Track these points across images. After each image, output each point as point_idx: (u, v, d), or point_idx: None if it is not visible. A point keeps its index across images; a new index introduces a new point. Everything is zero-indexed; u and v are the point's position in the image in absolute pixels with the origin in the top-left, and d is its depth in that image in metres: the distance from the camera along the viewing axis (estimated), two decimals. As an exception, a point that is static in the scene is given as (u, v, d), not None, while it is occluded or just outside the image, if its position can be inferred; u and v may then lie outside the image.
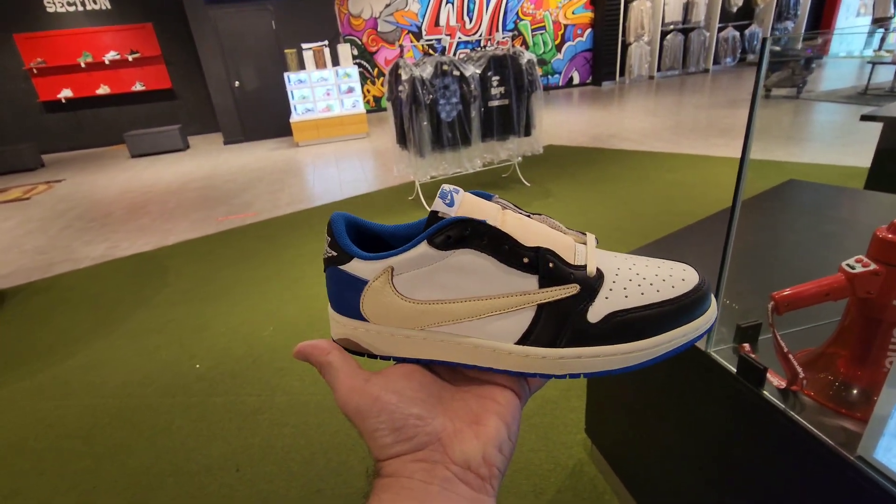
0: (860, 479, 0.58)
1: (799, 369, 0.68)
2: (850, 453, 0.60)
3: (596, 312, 0.28)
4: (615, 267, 0.30)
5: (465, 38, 8.87)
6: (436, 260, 0.29)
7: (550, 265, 0.28)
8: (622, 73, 9.61)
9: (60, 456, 1.64)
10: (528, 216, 0.32)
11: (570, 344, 0.28)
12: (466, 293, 0.29)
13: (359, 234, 0.33)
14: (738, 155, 0.70)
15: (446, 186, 0.30)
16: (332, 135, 6.92)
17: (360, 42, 8.56)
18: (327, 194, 4.42)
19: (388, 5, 8.47)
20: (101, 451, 1.64)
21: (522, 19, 9.16)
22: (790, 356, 0.68)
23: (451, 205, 0.29)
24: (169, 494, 1.45)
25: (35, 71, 7.87)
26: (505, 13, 9.04)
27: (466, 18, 8.89)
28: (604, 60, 9.47)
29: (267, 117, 7.61)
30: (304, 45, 6.63)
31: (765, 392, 0.71)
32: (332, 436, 1.60)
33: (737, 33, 9.61)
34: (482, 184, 4.15)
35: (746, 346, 0.79)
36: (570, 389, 1.68)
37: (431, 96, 3.33)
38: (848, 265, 0.63)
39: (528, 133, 3.78)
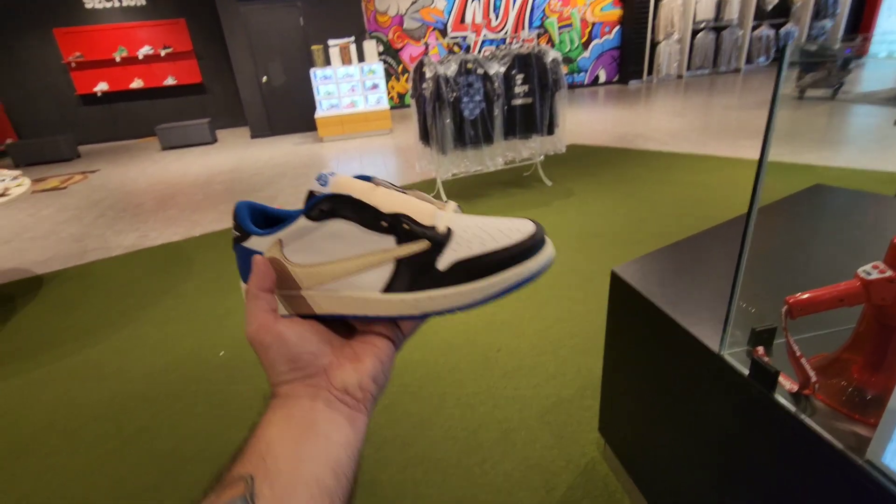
0: (868, 482, 0.58)
1: (811, 373, 0.68)
2: (859, 457, 0.60)
3: (444, 262, 0.33)
4: (464, 226, 0.35)
5: (490, 36, 8.84)
6: (313, 230, 0.35)
7: (405, 226, 0.34)
8: (650, 72, 9.45)
9: (90, 437, 1.72)
10: (401, 192, 0.37)
11: (424, 289, 0.33)
12: (339, 255, 0.35)
13: (265, 218, 0.40)
14: (768, 157, 0.70)
15: (324, 171, 0.37)
16: (356, 130, 7.00)
17: (385, 38, 8.62)
18: (349, 189, 4.48)
19: (414, 2, 8.51)
20: (129, 434, 1.71)
21: (549, 16, 9.09)
22: (802, 360, 0.67)
23: (324, 185, 0.36)
24: (191, 478, 1.51)
25: (73, 65, 8.17)
26: (531, 10, 8.98)
27: (492, 15, 8.86)
28: (631, 59, 9.32)
29: (293, 112, 7.74)
30: (331, 42, 6.72)
31: (776, 395, 0.71)
32: (348, 426, 1.64)
33: (771, 32, 9.34)
34: (503, 182, 4.15)
35: (760, 349, 0.79)
36: (586, 389, 1.68)
37: (455, 94, 3.35)
38: (864, 271, 0.62)
39: (551, 132, 3.76)
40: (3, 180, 2.59)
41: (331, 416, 0.32)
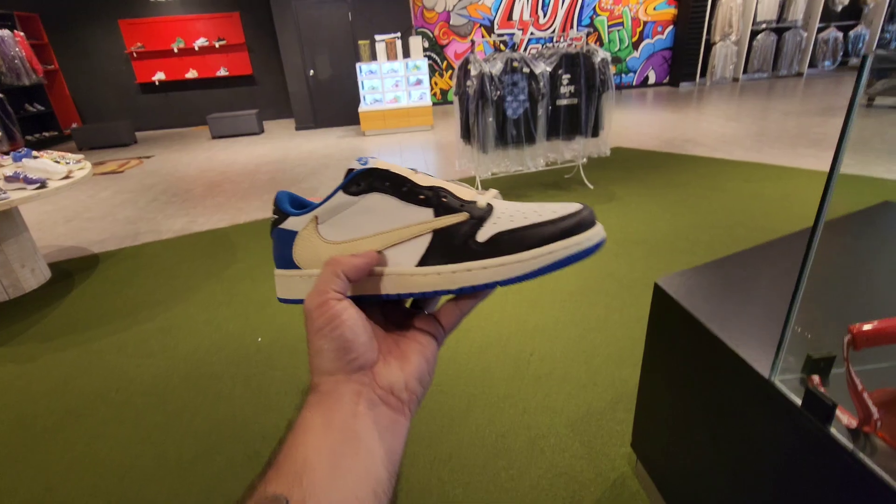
0: (935, 536, 0.53)
1: (874, 409, 0.63)
2: (926, 507, 0.55)
3: (484, 233, 0.32)
4: (505, 205, 0.34)
5: (537, 34, 8.72)
6: (349, 205, 0.35)
7: (444, 199, 0.33)
8: (703, 74, 9.07)
9: (137, 410, 1.81)
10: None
11: (461, 261, 0.32)
12: (374, 229, 0.34)
13: (301, 207, 0.40)
14: (828, 168, 0.65)
15: (364, 155, 0.37)
16: (399, 125, 7.06)
17: (431, 35, 8.64)
18: (389, 184, 4.52)
19: (461, -2, 8.48)
20: (172, 410, 1.80)
21: (599, 14, 8.87)
22: (864, 394, 0.63)
23: (364, 163, 0.36)
24: (227, 457, 1.57)
25: (134, 55, 8.60)
26: (581, 8, 8.79)
27: (540, 13, 8.73)
28: (684, 60, 8.98)
29: (337, 106, 7.89)
30: (378, 37, 6.79)
31: (832, 429, 0.66)
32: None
33: (839, 34, 8.78)
34: (543, 184, 4.09)
35: (816, 378, 0.74)
36: (619, 402, 1.64)
37: (499, 92, 3.32)
38: (942, 304, 0.58)
39: (595, 134, 3.67)
40: (69, 163, 2.76)
41: (373, 423, 0.30)
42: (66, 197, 4.93)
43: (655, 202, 3.47)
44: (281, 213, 0.39)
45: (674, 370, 1.11)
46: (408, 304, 0.40)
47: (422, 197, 0.34)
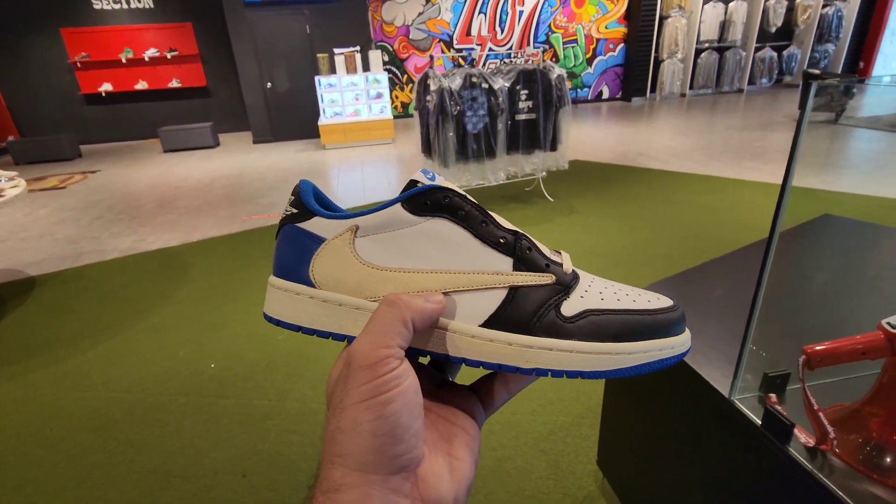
0: (893, 557, 0.54)
1: (829, 429, 0.64)
2: (883, 527, 0.56)
3: (571, 307, 0.27)
4: (590, 277, 0.30)
5: (496, 49, 8.88)
6: (407, 224, 0.27)
7: (528, 250, 0.28)
8: (653, 90, 9.49)
9: (74, 448, 1.67)
10: None
11: (541, 335, 0.26)
12: (434, 264, 0.27)
13: (324, 207, 0.32)
14: (771, 179, 0.67)
15: (428, 171, 0.30)
16: (359, 139, 6.99)
17: (391, 48, 8.65)
18: (350, 199, 4.46)
19: (420, 13, 8.55)
20: (113, 447, 1.67)
21: (554, 32, 9.14)
22: (820, 414, 0.64)
23: (432, 179, 0.29)
24: (175, 496, 1.46)
25: (79, 64, 8.18)
26: (537, 25, 9.03)
27: (498, 29, 8.91)
28: (635, 76, 9.37)
29: (296, 119, 7.75)
30: (337, 50, 6.74)
31: (791, 449, 0.67)
32: (339, 447, 1.59)
33: (774, 54, 9.39)
34: (505, 197, 4.13)
35: (773, 396, 0.75)
36: (584, 417, 1.64)
37: (459, 107, 3.33)
38: (889, 323, 0.59)
39: (553, 148, 3.74)
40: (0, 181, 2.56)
41: None
42: (-2, 216, 4.59)
43: (613, 215, 3.56)
44: (303, 207, 0.30)
45: (636, 388, 1.12)
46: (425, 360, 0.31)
47: (502, 240, 0.27)
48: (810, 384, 0.66)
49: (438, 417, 0.27)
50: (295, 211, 0.30)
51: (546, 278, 0.27)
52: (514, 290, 0.27)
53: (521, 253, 0.27)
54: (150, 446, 1.66)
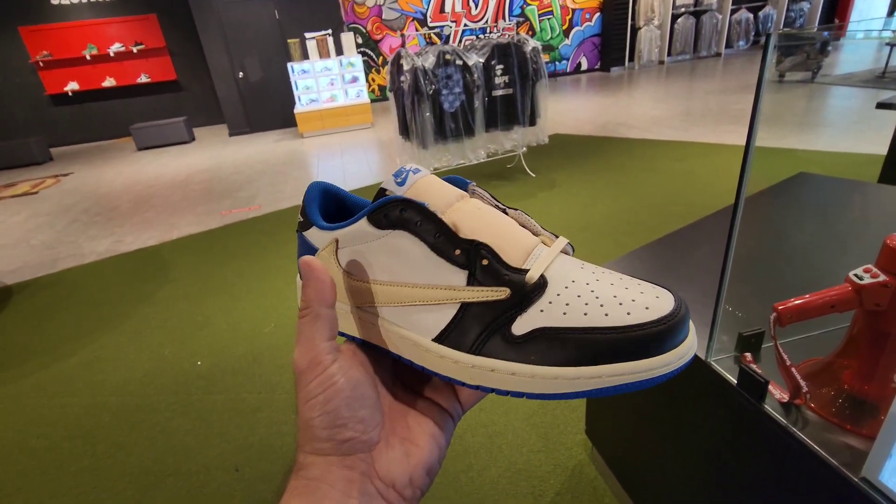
0: (864, 502, 0.55)
1: (802, 383, 0.64)
2: (854, 474, 0.57)
3: (523, 324, 0.25)
4: (570, 279, 0.26)
5: (470, 25, 8.73)
6: (372, 238, 0.28)
7: (484, 262, 0.26)
8: (631, 59, 9.43)
9: (61, 455, 1.65)
10: (503, 209, 0.30)
11: (487, 353, 0.25)
12: (394, 277, 0.28)
13: (339, 206, 0.34)
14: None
15: (407, 165, 0.30)
16: (337, 125, 6.88)
17: (364, 30, 8.46)
18: (331, 186, 4.39)
19: (392, -8, 8.35)
20: (101, 451, 1.65)
21: (529, 4, 8.99)
22: (793, 369, 0.64)
23: (401, 184, 0.29)
24: (168, 494, 1.45)
25: (41, 64, 7.89)
26: (511, -1, 8.88)
27: (472, 4, 8.74)
28: (612, 45, 9.28)
29: (271, 108, 7.59)
30: (308, 35, 6.57)
31: (766, 406, 0.67)
32: (331, 435, 1.59)
33: (750, 15, 9.35)
34: (486, 175, 4.10)
35: (748, 355, 0.75)
36: (572, 388, 1.65)
37: (434, 86, 3.28)
38: (856, 275, 0.59)
39: (532, 122, 3.71)
40: (-37, 189, 2.48)
41: None
42: (-31, 225, 4.46)
43: (595, 186, 3.55)
44: (305, 216, 0.32)
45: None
46: None
47: (457, 252, 0.26)
48: (782, 341, 0.66)
49: (409, 406, 0.29)
50: (301, 219, 0.33)
51: (500, 293, 0.25)
52: (465, 307, 0.26)
53: (476, 266, 0.26)
54: (140, 447, 1.65)
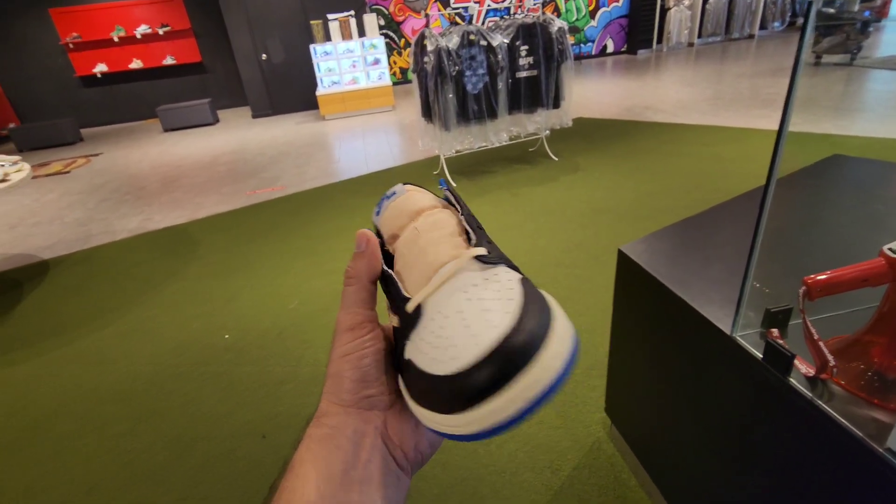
0: (889, 471, 0.55)
1: (829, 357, 0.64)
2: (880, 445, 0.57)
3: (407, 352, 0.26)
4: (438, 310, 0.24)
5: (494, 5, 8.59)
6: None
7: (390, 289, 0.30)
8: (659, 41, 9.16)
9: (100, 419, 1.74)
10: (464, 217, 0.31)
11: (398, 371, 0.28)
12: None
13: None
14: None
15: (396, 187, 0.33)
16: (359, 108, 6.89)
17: (386, 11, 8.40)
18: (353, 169, 4.43)
19: (415, -28, 8.25)
20: (137, 416, 1.73)
21: (554, -16, 8.78)
22: (820, 343, 0.64)
23: (378, 214, 0.33)
24: (200, 458, 1.52)
25: (71, 46, 8.06)
26: (536, -22, 8.66)
27: (496, -15, 8.58)
28: (640, 27, 9.03)
29: (294, 90, 7.63)
30: (330, 16, 6.56)
31: (791, 379, 0.68)
32: (354, 407, 1.64)
33: (786, -5, 8.98)
34: (508, 158, 4.07)
35: (775, 331, 0.75)
36: (592, 369, 1.66)
37: (457, 67, 3.25)
38: (890, 249, 0.58)
39: (556, 105, 3.66)
40: (3, 166, 2.57)
41: (378, 475, 0.26)
42: (7, 202, 4.63)
43: (618, 171, 3.50)
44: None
45: (641, 333, 1.13)
46: None
47: (380, 282, 0.31)
48: (813, 319, 0.66)
49: None
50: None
51: (395, 321, 0.29)
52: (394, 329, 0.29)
53: (389, 293, 0.30)
54: (172, 414, 1.72)
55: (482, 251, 0.27)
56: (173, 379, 1.90)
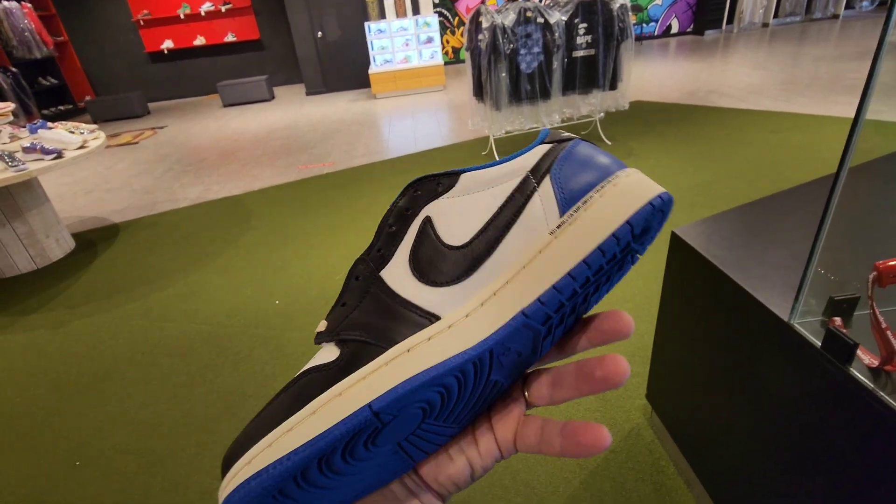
0: (958, 473, 0.52)
1: (898, 349, 0.60)
2: (950, 445, 0.53)
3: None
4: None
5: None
6: None
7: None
8: (730, 21, 8.58)
9: (162, 370, 1.88)
10: None
11: None
12: None
13: None
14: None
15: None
16: (410, 87, 6.90)
17: (441, -11, 8.30)
18: (401, 147, 4.47)
19: (472, -52, 8.08)
20: (195, 370, 1.85)
21: (618, -40, 8.37)
22: (888, 332, 0.60)
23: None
24: (250, 412, 1.62)
25: (142, 23, 8.48)
26: (598, -46, 8.29)
27: (555, -39, 8.28)
28: (709, 6, 8.48)
29: (347, 68, 7.72)
30: (386, -7, 6.56)
31: (852, 370, 0.64)
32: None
33: (878, -30, 8.17)
34: (559, 140, 3.97)
35: (837, 319, 0.71)
36: (635, 355, 1.62)
37: (512, 45, 3.19)
38: (980, 234, 0.54)
39: (613, 87, 3.53)
40: (83, 133, 2.77)
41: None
42: (84, 169, 4.99)
43: (676, 157, 3.35)
44: None
45: (690, 318, 1.09)
46: None
47: None
48: (882, 310, 0.62)
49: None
50: None
51: None
52: None
53: None
54: (226, 371, 1.84)
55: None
56: (227, 339, 2.02)
